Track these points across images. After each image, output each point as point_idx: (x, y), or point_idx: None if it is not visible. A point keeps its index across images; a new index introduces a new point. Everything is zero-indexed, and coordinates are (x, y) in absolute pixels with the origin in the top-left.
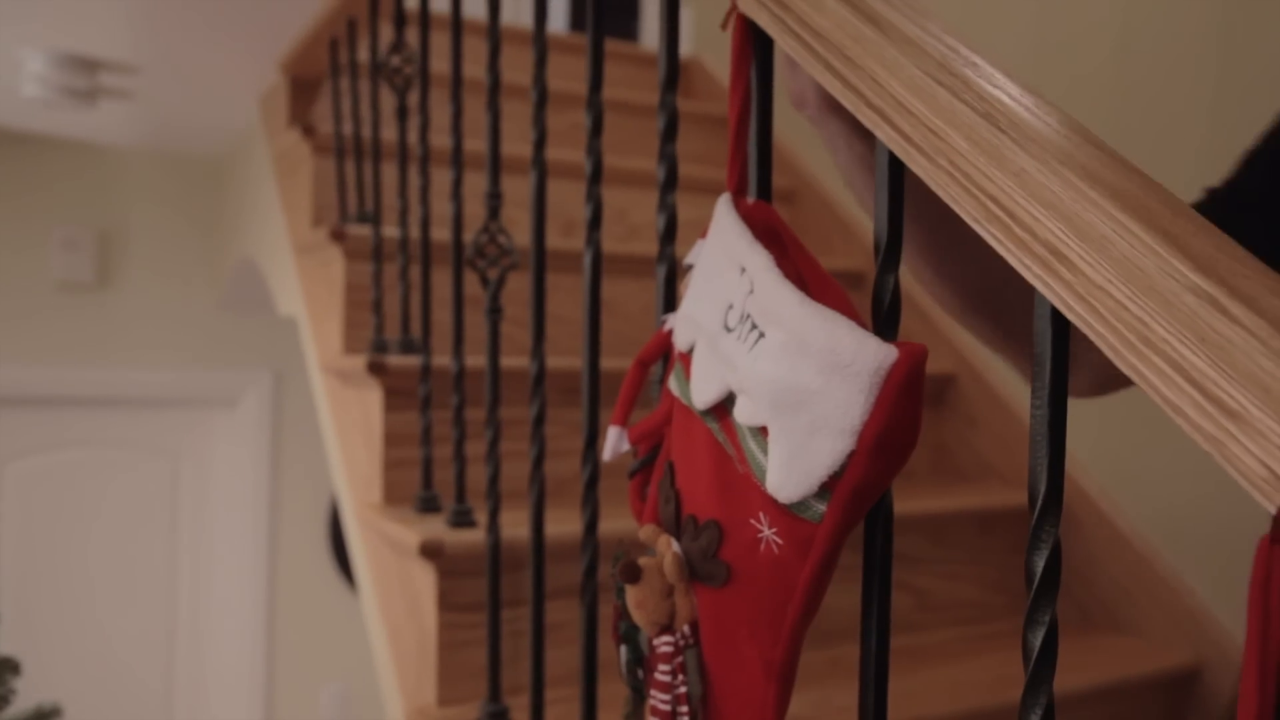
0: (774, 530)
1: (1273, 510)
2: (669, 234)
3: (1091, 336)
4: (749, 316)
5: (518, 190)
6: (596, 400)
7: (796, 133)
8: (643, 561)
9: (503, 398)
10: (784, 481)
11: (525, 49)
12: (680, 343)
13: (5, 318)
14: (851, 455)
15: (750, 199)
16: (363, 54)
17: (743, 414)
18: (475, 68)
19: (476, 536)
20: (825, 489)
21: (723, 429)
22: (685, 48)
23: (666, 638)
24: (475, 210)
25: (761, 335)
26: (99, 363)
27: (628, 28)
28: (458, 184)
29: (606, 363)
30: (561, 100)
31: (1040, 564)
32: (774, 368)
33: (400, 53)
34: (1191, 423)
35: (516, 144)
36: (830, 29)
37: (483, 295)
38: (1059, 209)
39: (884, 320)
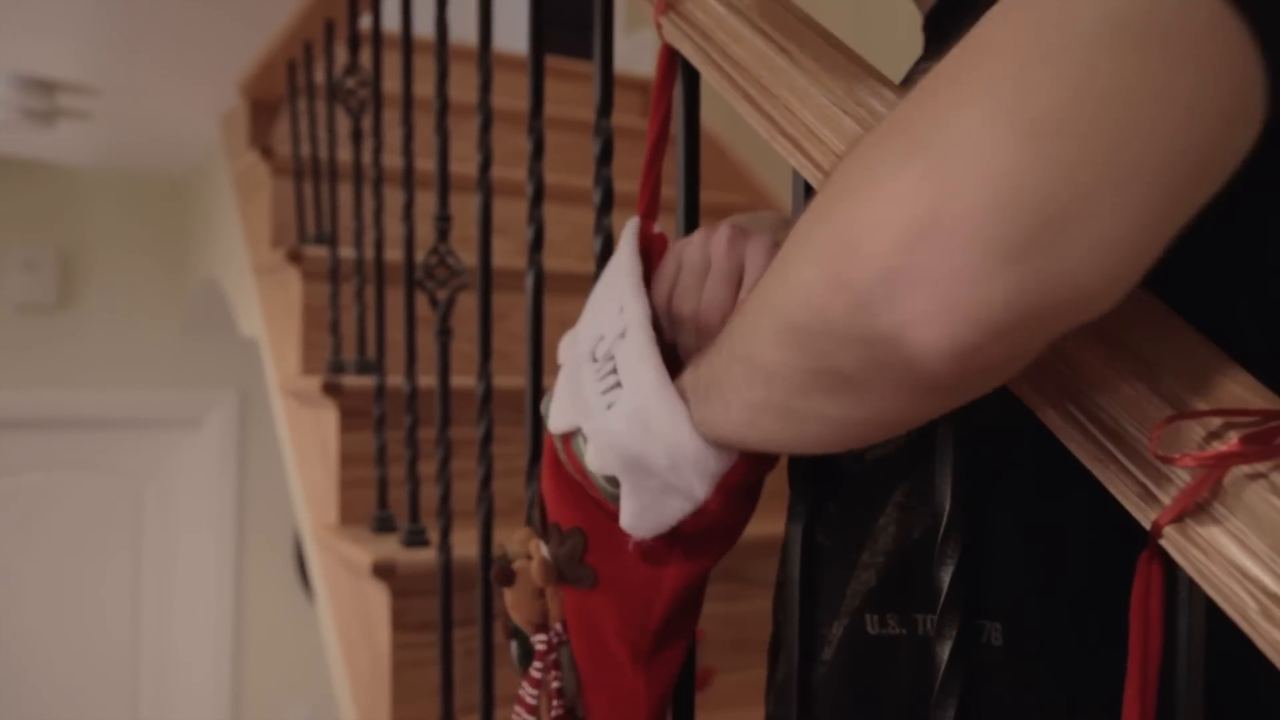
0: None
1: (1148, 526)
2: (605, 255)
3: None
4: (613, 359)
5: (496, 212)
6: (540, 420)
7: (755, 148)
8: (517, 565)
9: (457, 417)
10: (637, 526)
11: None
12: (560, 353)
13: None
14: (701, 505)
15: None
16: (321, 76)
17: (594, 462)
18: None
19: (429, 556)
20: None
21: (568, 458)
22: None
23: (541, 636)
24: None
25: (619, 387)
26: (61, 384)
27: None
28: (409, 206)
29: None
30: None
31: (946, 578)
32: (625, 434)
33: (355, 75)
34: (1078, 444)
35: (466, 164)
36: (747, 59)
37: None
38: None
39: None
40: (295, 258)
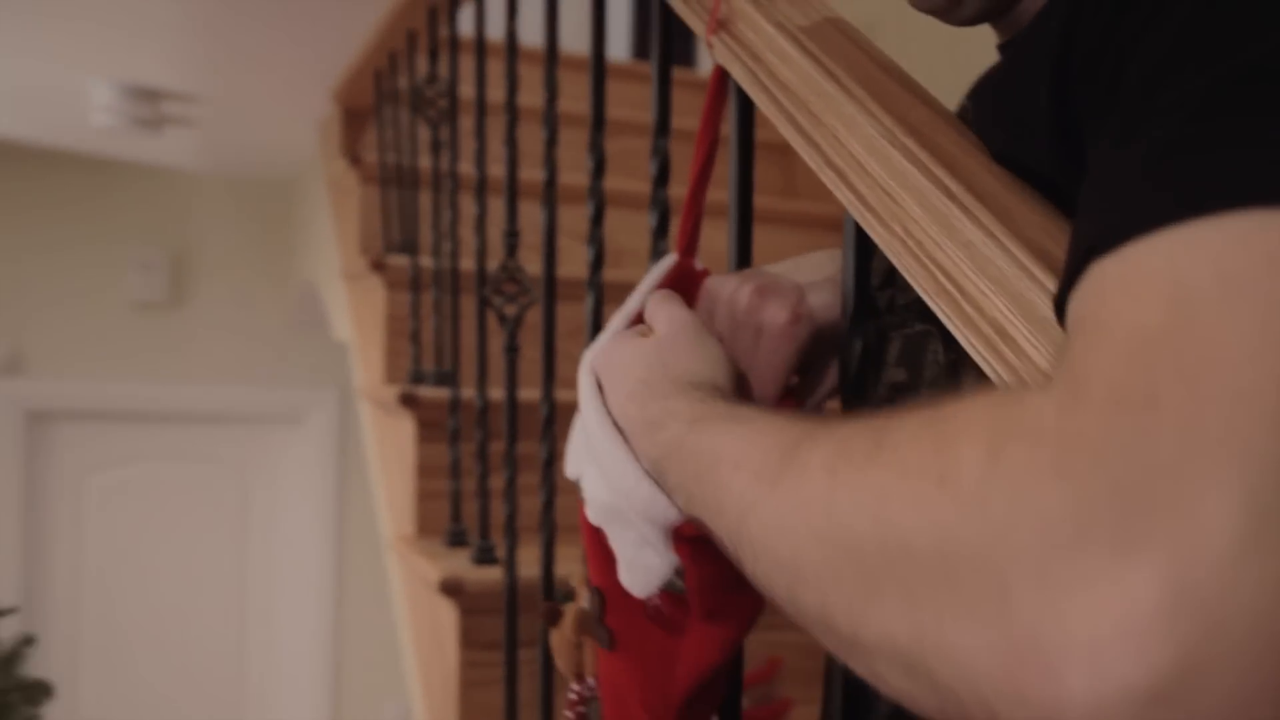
0: (659, 599)
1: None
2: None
3: None
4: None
5: (571, 220)
6: None
7: None
8: (565, 607)
9: (531, 431)
10: (630, 582)
11: (582, 75)
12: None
13: (86, 336)
14: (679, 568)
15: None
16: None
17: (590, 511)
18: (521, 95)
19: (498, 574)
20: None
21: (580, 508)
22: None
23: (575, 685)
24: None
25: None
26: (173, 379)
27: (685, 53)
28: (481, 219)
29: None
30: (621, 128)
31: None
32: (599, 486)
33: (434, 85)
34: None
35: (572, 173)
36: (796, 83)
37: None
38: (1005, 286)
39: (853, 384)
40: (378, 266)
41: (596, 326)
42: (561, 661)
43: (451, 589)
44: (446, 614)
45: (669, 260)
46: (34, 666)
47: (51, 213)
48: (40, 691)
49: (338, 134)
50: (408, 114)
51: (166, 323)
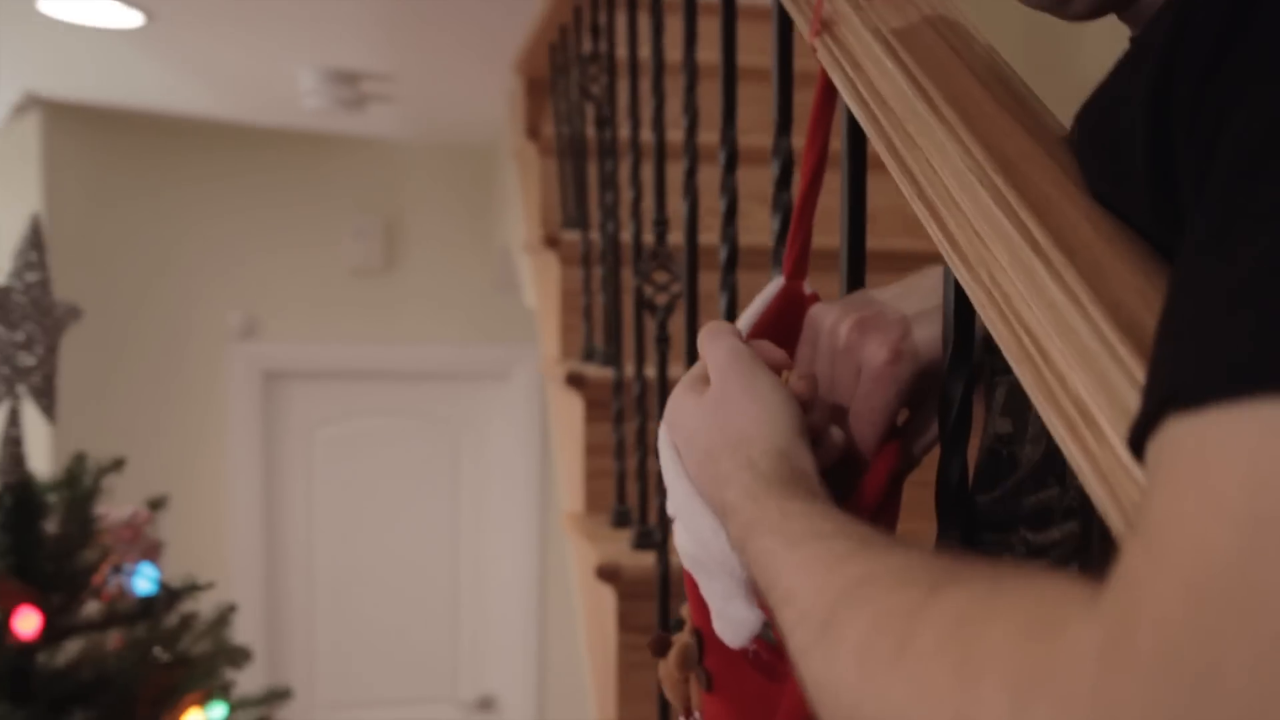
0: (754, 645)
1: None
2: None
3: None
4: None
5: (754, 182)
6: None
7: None
8: (676, 638)
9: None
10: (722, 631)
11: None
12: None
13: (310, 302)
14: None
15: (807, 286)
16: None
17: (682, 558)
18: (707, 52)
19: (655, 559)
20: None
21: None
22: None
23: (683, 718)
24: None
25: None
26: (388, 340)
27: None
28: (636, 202)
29: None
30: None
31: None
32: (683, 535)
33: (596, 62)
34: None
35: (756, 134)
36: (892, 98)
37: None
38: (1090, 361)
39: (952, 434)
40: (552, 242)
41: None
42: (669, 694)
43: (609, 574)
44: (607, 596)
45: (776, 284)
46: (278, 601)
47: (276, 189)
48: (241, 656)
49: (521, 105)
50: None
51: (381, 286)
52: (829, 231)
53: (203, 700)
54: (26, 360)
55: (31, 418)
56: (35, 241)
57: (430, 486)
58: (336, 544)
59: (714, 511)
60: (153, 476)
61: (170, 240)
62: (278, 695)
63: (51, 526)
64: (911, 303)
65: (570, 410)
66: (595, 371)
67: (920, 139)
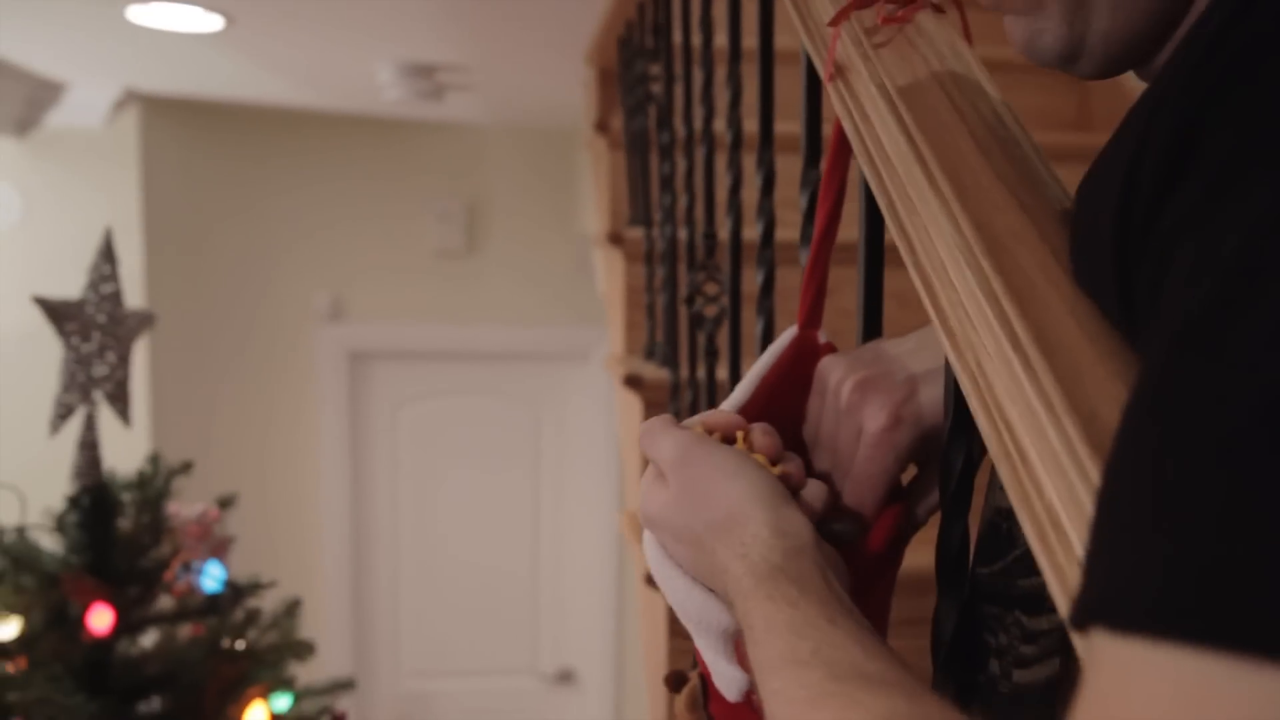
0: (754, 696)
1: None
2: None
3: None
4: None
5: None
6: None
7: None
8: (692, 674)
9: None
10: (720, 685)
11: None
12: None
13: (395, 283)
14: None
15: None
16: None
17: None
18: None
19: None
20: None
21: None
22: None
23: None
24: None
25: None
26: (470, 321)
27: None
28: (689, 209)
29: None
30: None
31: None
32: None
33: (656, 60)
34: None
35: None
36: (895, 156)
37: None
38: (1062, 472)
39: (952, 504)
40: (616, 239)
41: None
42: None
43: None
44: (658, 601)
45: (789, 334)
46: (365, 576)
47: (361, 174)
48: (305, 649)
49: (595, 96)
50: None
51: (463, 268)
52: (850, 225)
53: (266, 692)
54: (100, 369)
55: (135, 413)
56: (108, 254)
57: (511, 464)
58: (420, 520)
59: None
60: (244, 458)
61: (260, 226)
62: (341, 685)
63: (125, 525)
64: (923, 359)
65: (630, 409)
66: (653, 373)
67: (920, 205)
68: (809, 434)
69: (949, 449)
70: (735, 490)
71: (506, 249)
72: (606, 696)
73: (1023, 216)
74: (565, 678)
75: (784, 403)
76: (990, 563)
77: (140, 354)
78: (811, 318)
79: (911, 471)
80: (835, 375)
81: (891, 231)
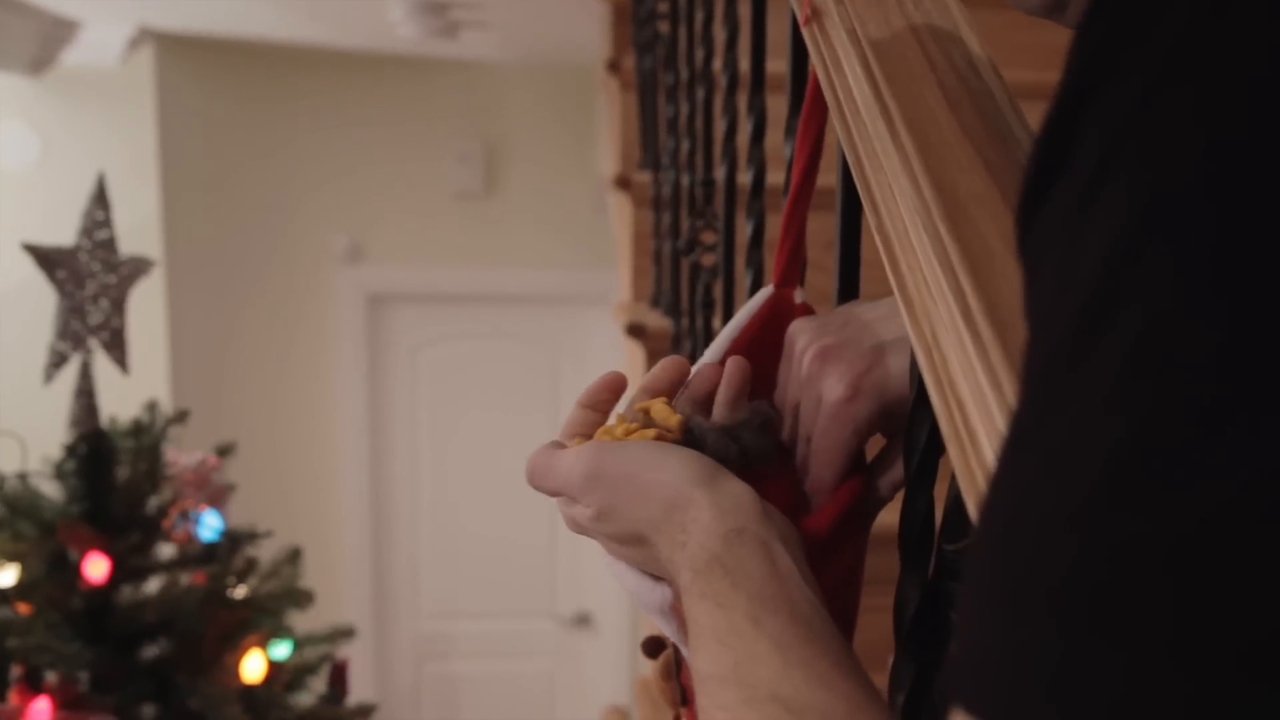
0: None
1: None
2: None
3: None
4: None
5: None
6: None
7: None
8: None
9: None
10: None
11: None
12: None
13: (414, 226)
14: None
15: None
16: None
17: None
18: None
19: None
20: None
21: None
22: None
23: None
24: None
25: None
26: (489, 264)
27: None
28: (690, 154)
29: None
30: None
31: None
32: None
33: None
34: None
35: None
36: (863, 109)
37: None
38: None
39: (915, 478)
40: (624, 183)
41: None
42: (659, 695)
43: None
44: None
45: (764, 293)
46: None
47: (380, 114)
48: (304, 598)
49: (609, 33)
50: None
51: (482, 210)
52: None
53: (265, 640)
54: (95, 317)
55: (147, 356)
56: (101, 200)
57: (530, 407)
58: (438, 462)
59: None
60: (262, 400)
61: (278, 167)
62: (342, 633)
63: (123, 473)
64: (895, 326)
65: (634, 357)
66: (657, 321)
67: (884, 161)
68: (779, 401)
69: (913, 421)
70: (666, 478)
71: (525, 191)
72: (623, 640)
73: (987, 178)
74: (582, 621)
75: (758, 366)
76: (956, 539)
77: (157, 296)
78: (787, 275)
79: (878, 446)
80: (801, 341)
81: (859, 188)
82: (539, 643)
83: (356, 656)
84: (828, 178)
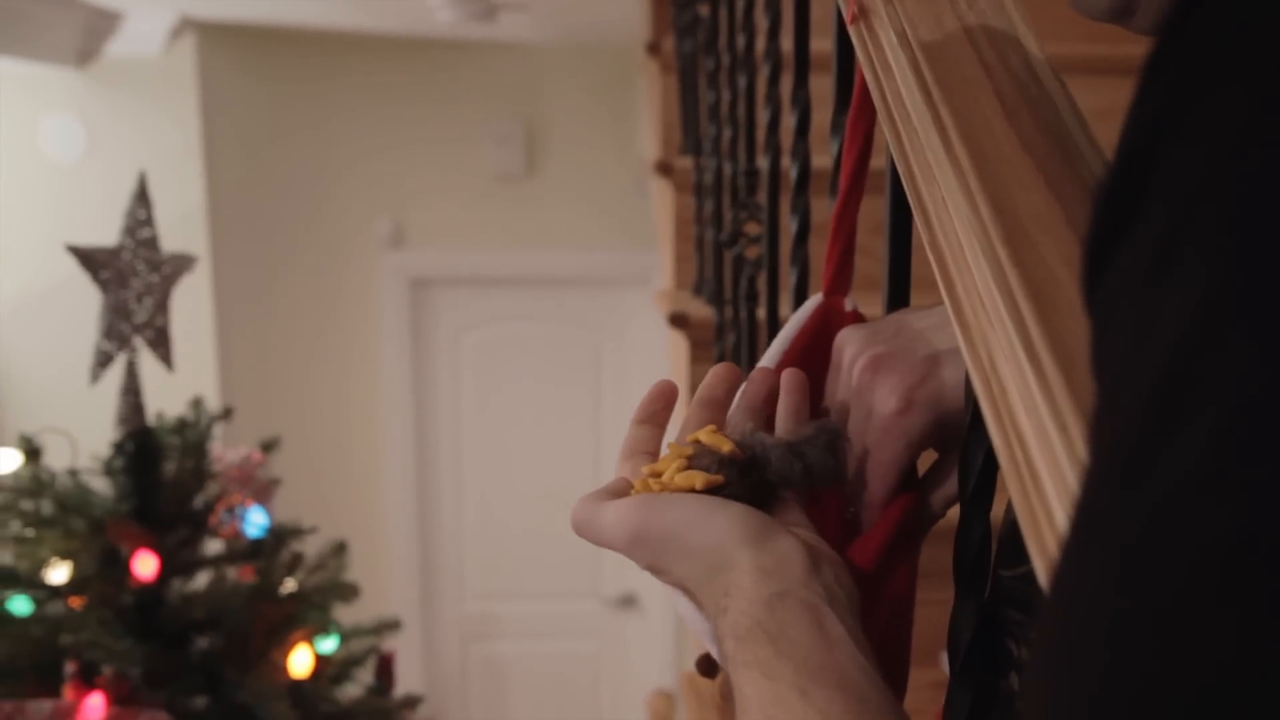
0: None
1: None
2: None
3: None
4: None
5: None
6: None
7: None
8: None
9: None
10: None
11: None
12: None
13: (455, 208)
14: None
15: (848, 302)
16: None
17: None
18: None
19: None
20: None
21: None
22: None
23: None
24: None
25: None
26: (531, 246)
27: None
28: (733, 141)
29: None
30: None
31: None
32: None
33: None
34: None
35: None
36: (915, 117)
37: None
38: (1070, 494)
39: (972, 502)
40: (666, 169)
41: (772, 336)
42: (716, 713)
43: None
44: None
45: (814, 301)
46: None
47: (420, 97)
48: (350, 591)
49: (648, 15)
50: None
51: (523, 192)
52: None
53: (312, 635)
54: (140, 315)
55: (195, 349)
56: (143, 199)
57: (573, 389)
58: (483, 445)
59: None
60: (308, 386)
61: (319, 153)
62: (388, 625)
63: (170, 469)
64: (949, 335)
65: (678, 347)
66: (699, 310)
67: (938, 175)
68: (827, 412)
69: (969, 442)
70: (710, 539)
71: (566, 172)
72: (668, 621)
73: (1049, 195)
74: (627, 602)
75: (811, 377)
76: (1014, 565)
77: (204, 288)
78: (837, 282)
79: (931, 456)
80: (850, 350)
81: (910, 200)
82: (584, 623)
83: (404, 639)
84: (878, 159)
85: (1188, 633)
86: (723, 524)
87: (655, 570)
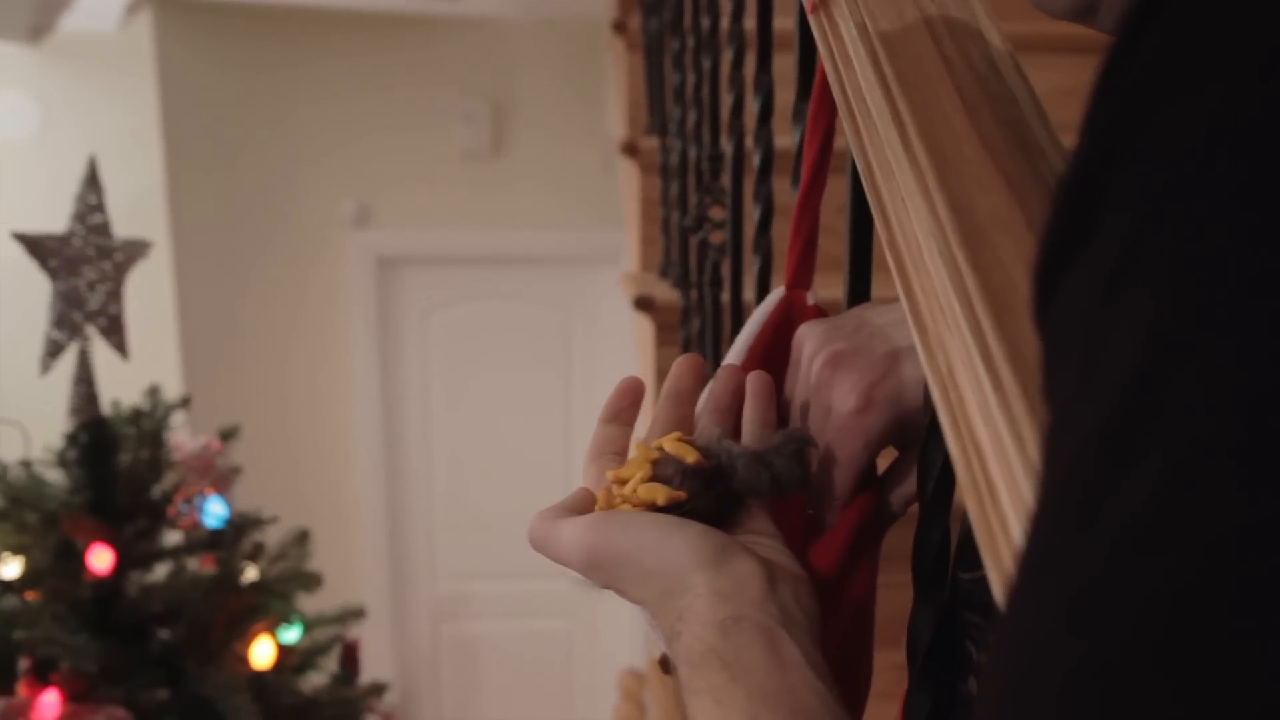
0: None
1: None
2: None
3: None
4: None
5: None
6: None
7: None
8: None
9: None
10: None
11: None
12: None
13: (421, 188)
14: None
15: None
16: None
17: None
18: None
19: None
20: None
21: None
22: None
23: None
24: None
25: None
26: (499, 225)
27: None
28: (697, 126)
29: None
30: None
31: None
32: None
33: None
34: None
35: None
36: (875, 112)
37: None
38: (1023, 504)
39: (931, 502)
40: (631, 150)
41: (737, 321)
42: (676, 708)
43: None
44: None
45: (775, 295)
46: (398, 478)
47: (385, 75)
48: (313, 580)
49: None
50: None
51: (490, 171)
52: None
53: (274, 625)
54: (92, 303)
55: (155, 335)
56: (93, 184)
57: (542, 368)
58: (452, 424)
59: None
60: (274, 367)
61: (282, 132)
62: (352, 614)
63: (126, 460)
64: (909, 331)
65: (644, 330)
66: (665, 293)
67: (896, 172)
68: (784, 408)
69: (928, 444)
70: (666, 561)
71: (533, 151)
72: None
73: (1009, 197)
74: None
75: (775, 373)
76: (974, 568)
77: (164, 272)
78: (799, 276)
79: (891, 454)
80: (810, 346)
81: (869, 198)
82: (555, 602)
83: (374, 620)
84: (841, 140)
85: (1130, 693)
86: (679, 546)
87: (614, 590)
